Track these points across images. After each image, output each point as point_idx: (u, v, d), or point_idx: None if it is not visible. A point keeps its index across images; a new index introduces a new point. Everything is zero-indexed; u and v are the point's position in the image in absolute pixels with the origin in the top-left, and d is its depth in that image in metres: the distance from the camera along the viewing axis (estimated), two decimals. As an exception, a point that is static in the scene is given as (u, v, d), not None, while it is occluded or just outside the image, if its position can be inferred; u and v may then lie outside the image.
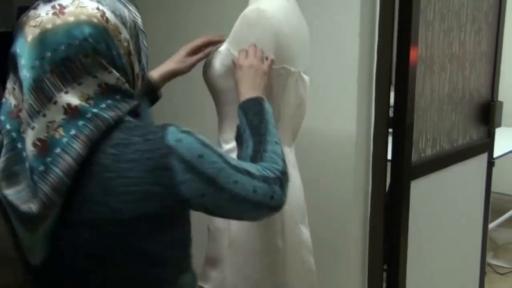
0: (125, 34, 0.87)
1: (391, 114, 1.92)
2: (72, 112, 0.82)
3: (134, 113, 0.92)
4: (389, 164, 1.94)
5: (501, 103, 2.37)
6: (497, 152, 2.75)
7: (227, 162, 0.90)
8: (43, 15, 0.83)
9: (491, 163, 2.42)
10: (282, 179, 0.99)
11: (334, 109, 1.81)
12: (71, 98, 0.82)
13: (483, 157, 2.38)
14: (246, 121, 1.12)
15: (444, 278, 2.23)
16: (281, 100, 1.31)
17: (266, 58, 1.23)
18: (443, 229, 2.18)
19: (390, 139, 1.92)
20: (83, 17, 0.82)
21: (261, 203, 0.94)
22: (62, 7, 0.83)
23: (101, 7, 0.85)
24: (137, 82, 0.93)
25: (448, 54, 2.05)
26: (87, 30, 0.82)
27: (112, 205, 0.84)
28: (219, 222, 1.35)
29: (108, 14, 0.85)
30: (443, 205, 2.16)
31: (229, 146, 1.33)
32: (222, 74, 1.29)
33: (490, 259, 3.33)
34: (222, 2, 2.04)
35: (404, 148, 1.88)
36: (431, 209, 2.09)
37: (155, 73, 1.34)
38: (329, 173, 1.88)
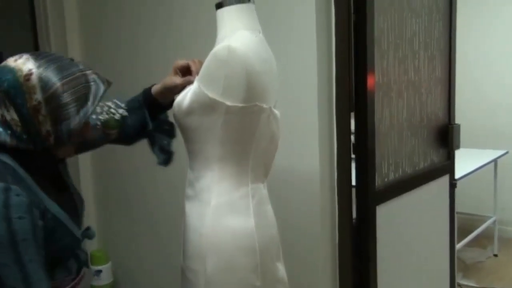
0: (39, 96, 1.10)
1: (353, 140, 1.95)
2: None
3: (25, 160, 1.15)
4: (354, 190, 1.96)
5: (458, 126, 2.44)
6: (459, 173, 2.82)
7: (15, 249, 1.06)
8: None
9: (453, 184, 2.47)
10: None
11: (295, 139, 1.83)
12: None
13: (445, 179, 2.44)
14: None
15: (415, 302, 2.24)
16: (254, 137, 1.31)
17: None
18: (411, 252, 2.20)
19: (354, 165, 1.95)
20: (16, 68, 1.12)
21: None
22: (19, 58, 1.14)
23: (33, 70, 1.11)
24: (46, 138, 1.13)
25: (405, 80, 2.11)
26: (8, 76, 1.11)
27: None
28: (194, 264, 1.33)
29: (34, 76, 1.10)
30: (409, 229, 2.18)
31: (200, 185, 1.33)
32: (191, 112, 1.29)
33: (460, 280, 3.37)
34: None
35: (367, 174, 1.91)
36: (398, 233, 2.11)
37: (155, 87, 1.46)
38: (294, 202, 1.89)
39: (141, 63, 2.38)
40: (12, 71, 1.11)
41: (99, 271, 2.56)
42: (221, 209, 1.30)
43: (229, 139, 1.29)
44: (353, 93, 1.92)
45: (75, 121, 1.13)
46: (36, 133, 1.13)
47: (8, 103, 1.11)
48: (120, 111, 1.46)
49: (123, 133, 1.48)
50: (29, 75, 1.11)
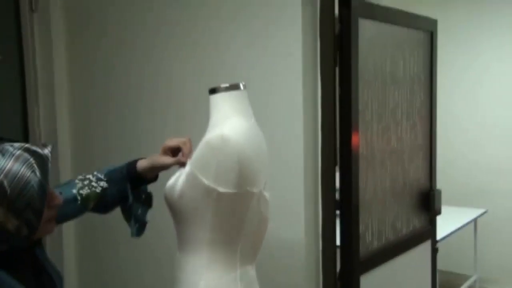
0: None
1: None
2: None
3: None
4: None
5: (439, 191, 2.49)
6: (440, 233, 2.84)
7: None
8: None
9: (435, 249, 2.50)
10: None
11: (281, 206, 1.85)
12: None
13: (427, 244, 2.46)
14: None
15: None
16: (244, 222, 1.32)
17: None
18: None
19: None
20: None
21: None
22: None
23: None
24: (18, 232, 1.07)
25: (387, 149, 2.16)
26: None
27: None
28: None
29: None
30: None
31: (189, 268, 1.33)
32: (183, 195, 1.30)
33: None
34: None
35: (351, 244, 1.92)
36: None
37: (141, 163, 1.44)
38: (279, 268, 1.89)
39: (129, 137, 2.39)
40: None
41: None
42: None
43: (219, 224, 1.30)
44: (337, 152, 1.95)
45: (36, 201, 1.07)
46: (3, 233, 1.06)
47: None
48: (101, 183, 1.44)
49: (101, 203, 1.46)
50: None
